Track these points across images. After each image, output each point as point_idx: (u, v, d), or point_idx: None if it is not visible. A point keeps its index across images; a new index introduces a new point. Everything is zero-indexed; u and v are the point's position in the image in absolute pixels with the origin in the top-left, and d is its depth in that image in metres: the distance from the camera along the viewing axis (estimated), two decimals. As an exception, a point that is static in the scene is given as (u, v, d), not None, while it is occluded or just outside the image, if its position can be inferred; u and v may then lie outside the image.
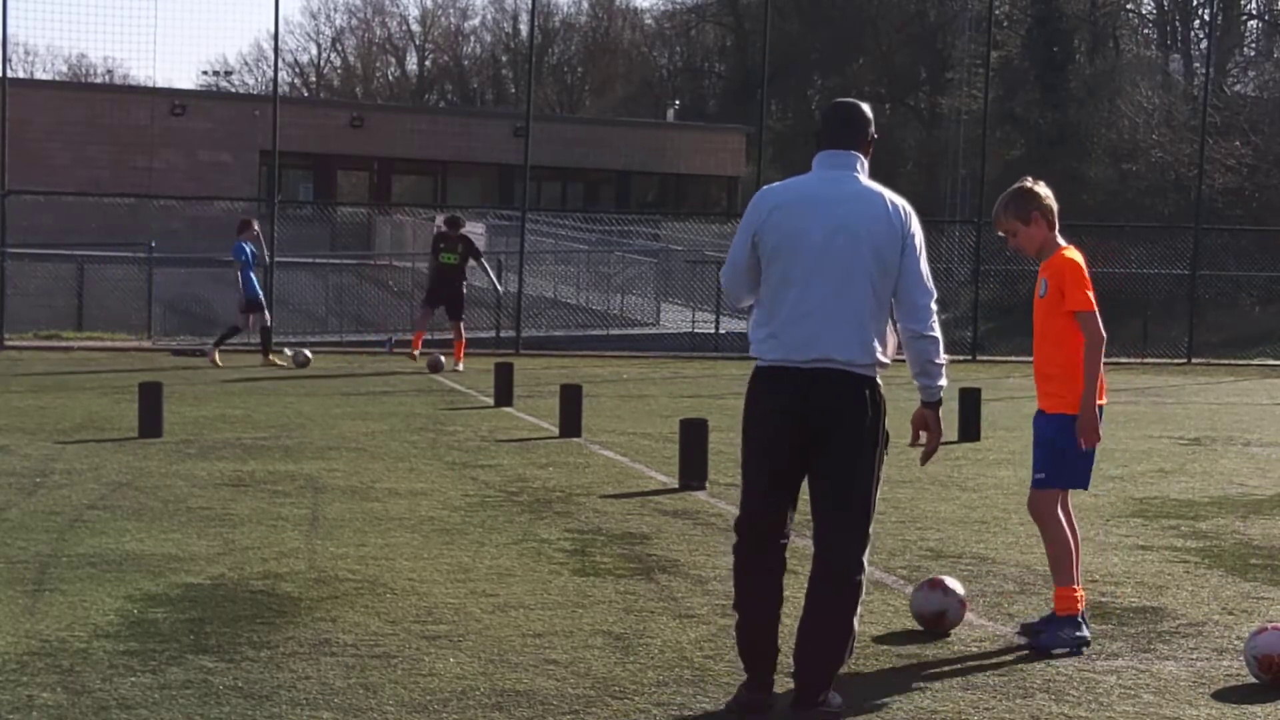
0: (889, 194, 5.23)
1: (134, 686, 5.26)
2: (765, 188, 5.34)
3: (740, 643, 5.27)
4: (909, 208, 5.25)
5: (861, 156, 5.29)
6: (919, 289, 5.21)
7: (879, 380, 5.19)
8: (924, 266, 5.22)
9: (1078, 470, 6.29)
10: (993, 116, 31.79)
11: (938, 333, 5.26)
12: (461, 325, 20.98)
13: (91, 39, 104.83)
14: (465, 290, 21.06)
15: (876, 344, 5.15)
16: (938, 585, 6.40)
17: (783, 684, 5.32)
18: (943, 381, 5.29)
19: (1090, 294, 6.20)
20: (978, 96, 38.24)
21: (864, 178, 5.25)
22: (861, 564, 5.18)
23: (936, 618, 6.33)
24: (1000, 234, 6.47)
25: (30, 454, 11.13)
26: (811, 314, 5.09)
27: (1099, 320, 6.19)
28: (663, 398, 17.61)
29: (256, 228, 20.87)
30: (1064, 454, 6.21)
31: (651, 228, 38.18)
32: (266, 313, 21.24)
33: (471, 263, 21.04)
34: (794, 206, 5.19)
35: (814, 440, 5.12)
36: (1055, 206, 6.36)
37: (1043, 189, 6.36)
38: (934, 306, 5.26)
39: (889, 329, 5.24)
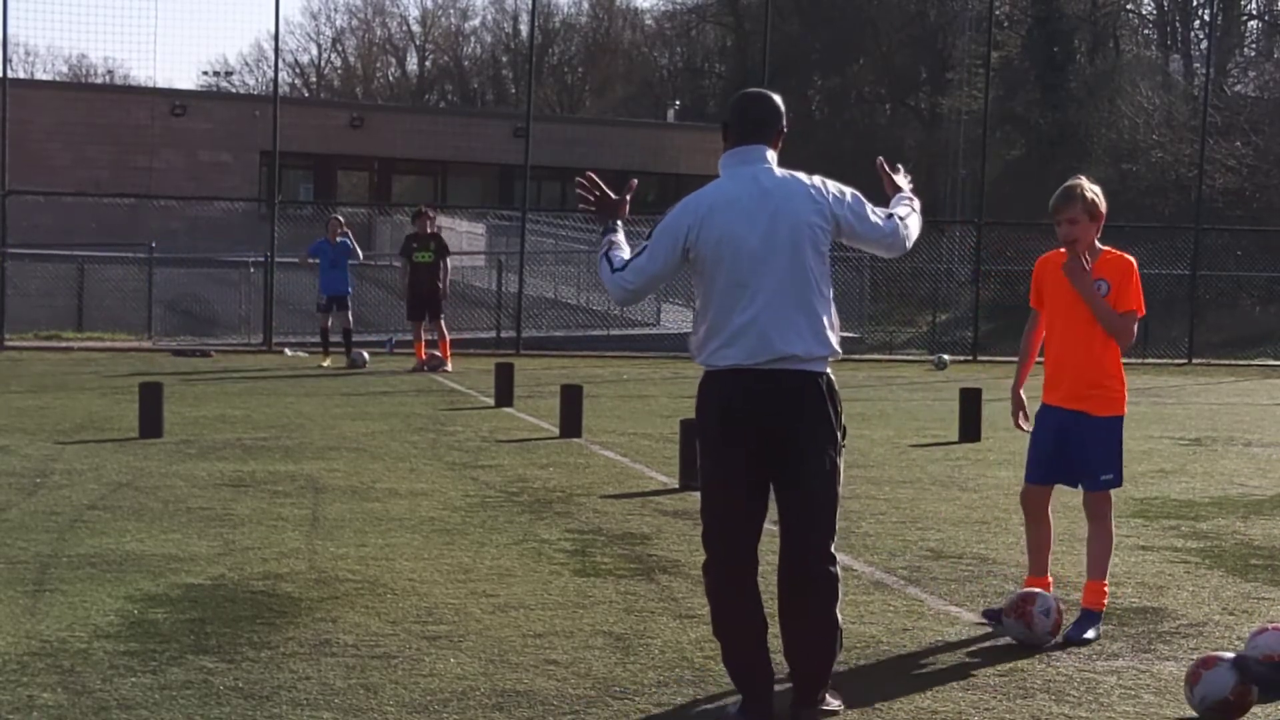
0: (806, 179, 5.20)
1: (134, 687, 5.26)
2: (686, 198, 5.27)
3: (731, 667, 5.17)
4: (824, 180, 5.22)
5: (768, 148, 5.22)
6: (882, 232, 5.25)
7: (832, 374, 5.17)
8: (866, 209, 5.21)
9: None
10: (993, 116, 31.81)
11: (911, 226, 5.37)
12: (443, 323, 20.59)
13: (91, 39, 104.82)
14: (441, 288, 20.37)
15: (829, 332, 5.14)
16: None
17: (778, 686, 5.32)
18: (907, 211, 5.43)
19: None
20: (978, 96, 38.22)
21: (776, 168, 5.21)
22: (832, 556, 5.14)
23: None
24: (1058, 219, 6.37)
25: (30, 454, 11.13)
26: (763, 314, 5.05)
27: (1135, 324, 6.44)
28: (663, 398, 17.61)
29: (332, 227, 20.90)
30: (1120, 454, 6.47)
31: (652, 228, 38.12)
32: (347, 314, 21.19)
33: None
34: (723, 211, 5.11)
35: (776, 440, 5.06)
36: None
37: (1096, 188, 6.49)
38: (897, 223, 5.29)
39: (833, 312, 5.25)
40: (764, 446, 5.06)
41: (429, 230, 20.47)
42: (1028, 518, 6.70)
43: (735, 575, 5.12)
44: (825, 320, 5.13)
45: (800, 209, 5.11)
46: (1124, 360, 6.60)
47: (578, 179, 5.59)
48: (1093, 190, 6.40)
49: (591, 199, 5.46)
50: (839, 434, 5.14)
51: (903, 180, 5.70)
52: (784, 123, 5.28)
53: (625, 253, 5.32)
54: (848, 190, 5.22)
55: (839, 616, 5.15)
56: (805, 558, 5.10)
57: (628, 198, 5.49)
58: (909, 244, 5.37)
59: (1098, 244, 6.39)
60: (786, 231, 5.08)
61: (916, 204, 5.54)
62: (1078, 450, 6.43)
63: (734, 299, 5.08)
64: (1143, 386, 20.76)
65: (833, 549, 5.15)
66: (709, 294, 5.15)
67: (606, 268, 5.31)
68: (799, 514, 5.10)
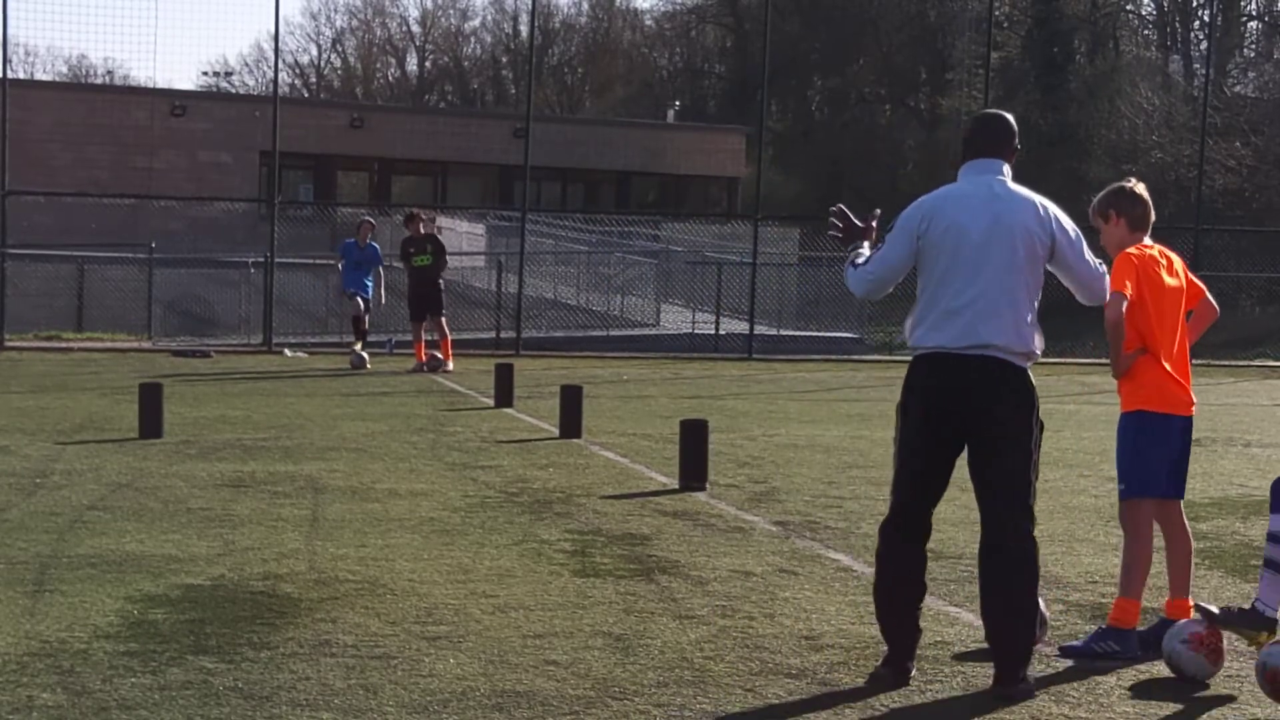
0: (1036, 196, 5.61)
1: (134, 687, 5.26)
2: (921, 197, 5.69)
3: (881, 623, 5.66)
4: (1053, 206, 5.62)
5: (1005, 163, 5.67)
6: (1090, 274, 5.65)
7: (1030, 372, 5.52)
8: (1087, 253, 5.65)
9: (1150, 474, 6.12)
10: (993, 117, 31.73)
11: (1109, 284, 5.79)
12: (444, 322, 20.64)
13: (91, 39, 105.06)
14: (443, 286, 20.47)
15: (1032, 334, 5.51)
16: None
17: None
18: None
19: (1127, 280, 6.03)
20: (978, 97, 38.23)
21: (1010, 182, 5.61)
22: (1031, 539, 5.46)
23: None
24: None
25: (30, 454, 11.12)
26: (972, 304, 5.45)
27: (1120, 304, 5.95)
28: (663, 398, 17.60)
29: (364, 231, 20.84)
30: (1136, 456, 6.13)
31: (652, 228, 38.15)
32: (359, 303, 20.98)
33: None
34: (952, 206, 5.56)
35: (970, 426, 5.45)
36: (1146, 213, 6.29)
37: (1137, 191, 6.30)
38: (1104, 271, 5.75)
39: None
40: (959, 430, 5.46)
41: (423, 232, 20.47)
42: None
43: (901, 541, 5.60)
44: (1029, 321, 5.51)
45: (1025, 217, 5.53)
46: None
47: (830, 210, 6.06)
48: (1105, 194, 6.34)
49: (840, 227, 5.94)
50: (1035, 427, 5.49)
51: None
52: (1018, 142, 5.73)
53: (867, 254, 5.81)
54: (1071, 224, 5.63)
55: (1038, 599, 5.52)
56: (999, 542, 5.47)
57: (874, 224, 5.95)
58: (1107, 296, 5.75)
59: (1148, 241, 6.27)
60: (1006, 232, 5.51)
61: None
62: None
63: (949, 286, 5.51)
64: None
65: (1032, 531, 5.47)
66: (928, 280, 5.58)
67: (850, 270, 5.79)
68: (992, 500, 5.48)
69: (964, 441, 5.50)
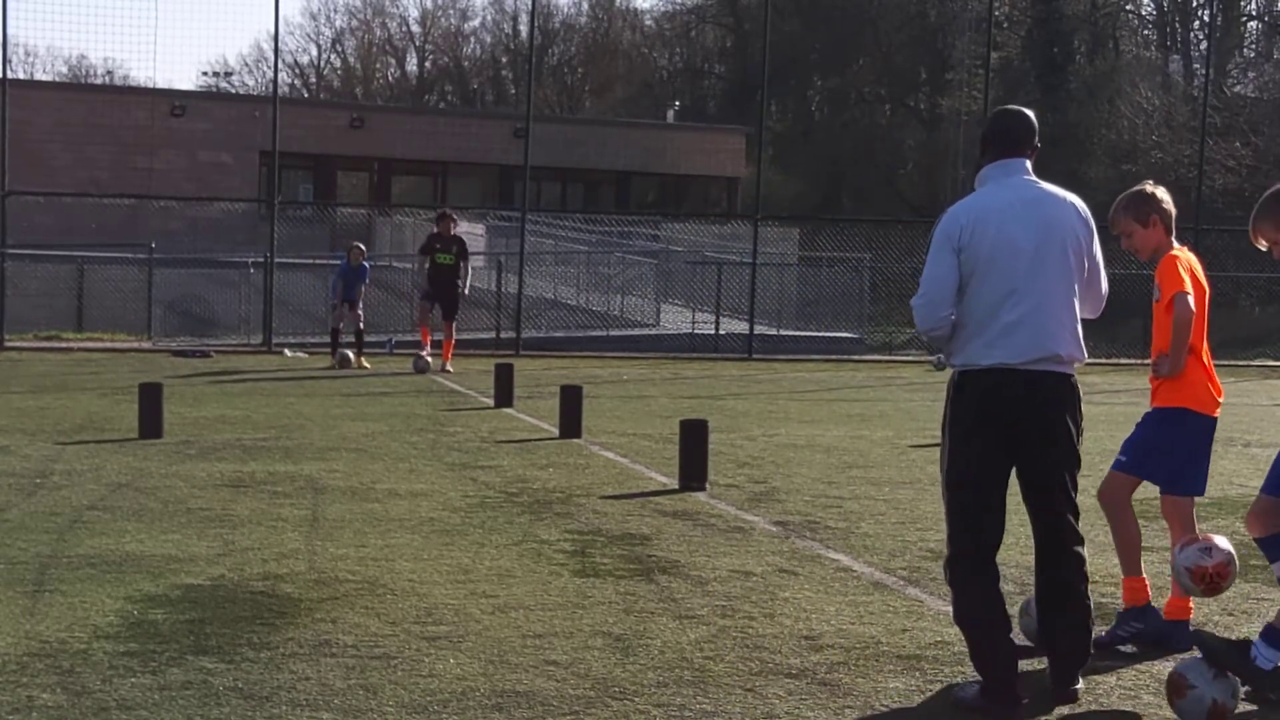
0: (1069, 195, 5.51)
1: (134, 687, 5.26)
2: (952, 207, 5.50)
3: (982, 657, 5.29)
4: (1081, 203, 5.53)
5: (1027, 161, 5.52)
6: (1102, 283, 5.61)
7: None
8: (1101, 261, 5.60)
9: (1162, 467, 6.27)
10: (993, 117, 31.73)
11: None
12: (453, 326, 20.95)
13: (91, 40, 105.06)
14: (461, 286, 20.91)
15: (1082, 341, 5.45)
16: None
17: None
18: None
19: (1185, 280, 6.18)
20: (978, 97, 38.21)
21: (1040, 181, 5.49)
22: (1080, 538, 5.43)
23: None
24: (1115, 234, 6.48)
25: (30, 454, 11.13)
26: (1033, 315, 5.30)
27: (1189, 303, 6.13)
28: (663, 398, 17.61)
29: (354, 255, 21.79)
30: (1156, 449, 6.27)
31: (651, 228, 38.16)
32: (359, 313, 21.79)
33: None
34: (996, 216, 5.35)
35: (1030, 440, 5.31)
36: (1173, 212, 6.43)
37: (1162, 193, 6.40)
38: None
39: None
40: (1015, 444, 5.32)
41: (451, 232, 20.73)
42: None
43: (985, 569, 5.34)
44: (1080, 327, 5.45)
45: (1072, 221, 5.43)
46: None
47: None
48: (1136, 199, 6.36)
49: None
50: (1081, 433, 5.45)
51: None
52: (1037, 138, 5.57)
53: None
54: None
55: (1089, 602, 5.47)
56: (1062, 550, 5.40)
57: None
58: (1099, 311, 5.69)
59: (1173, 244, 6.37)
60: (1058, 239, 5.39)
61: None
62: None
63: (1004, 300, 5.31)
64: (1143, 387, 20.73)
65: (1079, 530, 5.43)
66: (976, 295, 5.35)
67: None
68: (1054, 514, 5.40)
69: (1017, 455, 5.34)
